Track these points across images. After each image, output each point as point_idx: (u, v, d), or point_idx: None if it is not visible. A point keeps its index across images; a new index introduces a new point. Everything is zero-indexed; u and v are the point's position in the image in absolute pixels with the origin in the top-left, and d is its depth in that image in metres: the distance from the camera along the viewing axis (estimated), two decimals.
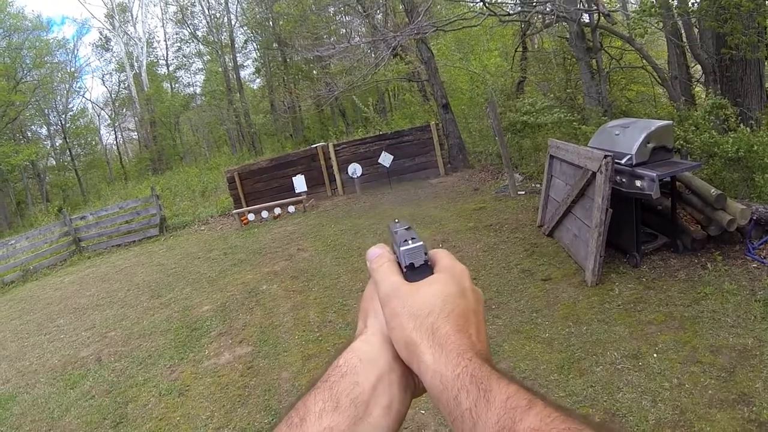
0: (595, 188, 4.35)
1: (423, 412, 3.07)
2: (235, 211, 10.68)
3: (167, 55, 28.50)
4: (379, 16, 15.47)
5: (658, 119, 5.62)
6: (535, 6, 9.02)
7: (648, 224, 4.90)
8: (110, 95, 29.23)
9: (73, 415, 4.01)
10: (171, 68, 28.83)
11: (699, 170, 5.05)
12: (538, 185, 7.44)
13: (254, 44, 24.66)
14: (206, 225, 11.33)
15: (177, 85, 29.38)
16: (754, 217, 4.27)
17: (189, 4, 25.31)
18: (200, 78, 29.09)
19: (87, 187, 24.52)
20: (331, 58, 13.68)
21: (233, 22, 24.17)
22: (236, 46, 24.50)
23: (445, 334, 0.44)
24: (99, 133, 29.00)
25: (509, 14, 8.83)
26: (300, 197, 10.57)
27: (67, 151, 25.02)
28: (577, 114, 8.75)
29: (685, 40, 8.24)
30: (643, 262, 4.48)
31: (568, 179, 5.19)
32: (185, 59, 28.46)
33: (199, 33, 26.02)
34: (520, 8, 9.51)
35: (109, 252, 11.00)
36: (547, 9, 8.13)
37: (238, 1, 24.05)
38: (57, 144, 25.30)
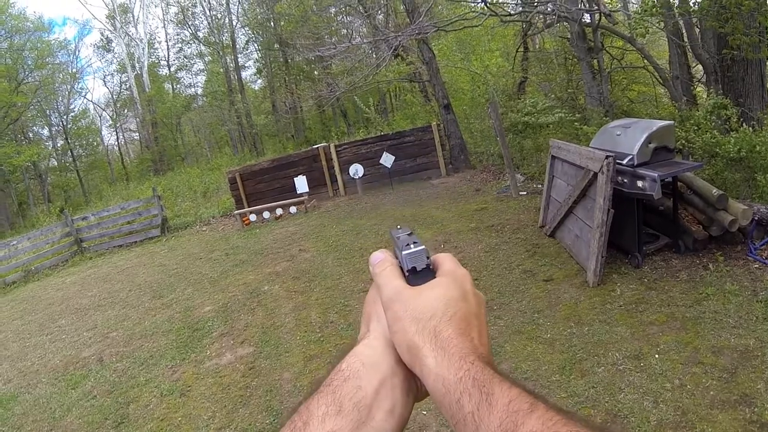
0: (596, 189, 4.35)
1: (425, 413, 3.07)
2: (236, 211, 10.69)
3: (168, 56, 28.62)
4: (381, 17, 15.50)
5: (659, 119, 5.60)
6: (536, 6, 9.01)
7: (649, 225, 4.90)
8: (112, 96, 29.36)
9: (75, 415, 4.02)
10: (172, 69, 28.90)
11: (701, 170, 5.05)
12: (540, 186, 7.43)
13: (255, 45, 24.72)
14: (208, 226, 11.34)
15: (178, 85, 29.45)
16: (756, 218, 4.26)
17: (190, 4, 25.35)
18: (201, 79, 29.18)
19: (88, 188, 24.56)
20: (332, 58, 13.68)
21: (234, 23, 24.18)
22: (237, 46, 24.52)
23: (447, 338, 0.44)
24: (100, 133, 29.14)
25: (510, 14, 8.82)
26: (301, 198, 10.58)
27: (69, 151, 25.07)
28: (579, 114, 8.75)
29: (686, 40, 8.24)
30: (645, 263, 4.47)
31: (570, 180, 5.18)
32: (186, 60, 28.55)
33: (200, 34, 26.10)
34: (521, 8, 9.51)
35: (111, 252, 11.02)
36: (549, 9, 8.11)
37: (239, 2, 24.09)
38: (59, 145, 25.36)
